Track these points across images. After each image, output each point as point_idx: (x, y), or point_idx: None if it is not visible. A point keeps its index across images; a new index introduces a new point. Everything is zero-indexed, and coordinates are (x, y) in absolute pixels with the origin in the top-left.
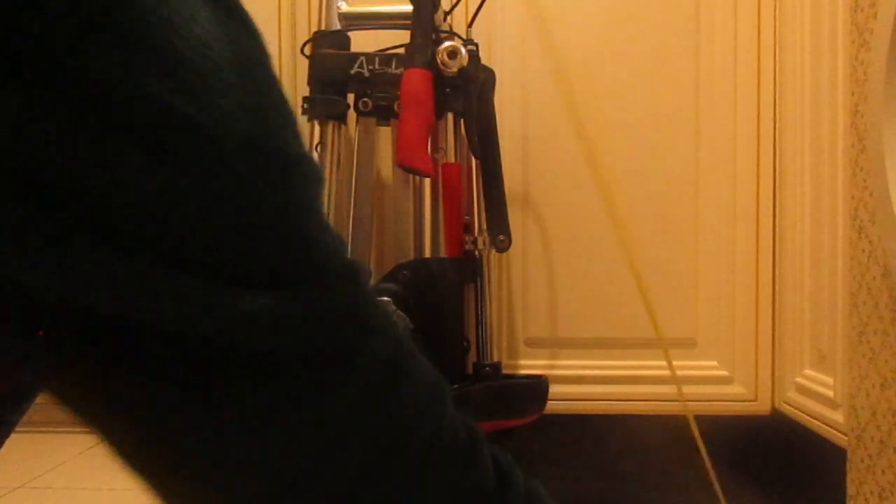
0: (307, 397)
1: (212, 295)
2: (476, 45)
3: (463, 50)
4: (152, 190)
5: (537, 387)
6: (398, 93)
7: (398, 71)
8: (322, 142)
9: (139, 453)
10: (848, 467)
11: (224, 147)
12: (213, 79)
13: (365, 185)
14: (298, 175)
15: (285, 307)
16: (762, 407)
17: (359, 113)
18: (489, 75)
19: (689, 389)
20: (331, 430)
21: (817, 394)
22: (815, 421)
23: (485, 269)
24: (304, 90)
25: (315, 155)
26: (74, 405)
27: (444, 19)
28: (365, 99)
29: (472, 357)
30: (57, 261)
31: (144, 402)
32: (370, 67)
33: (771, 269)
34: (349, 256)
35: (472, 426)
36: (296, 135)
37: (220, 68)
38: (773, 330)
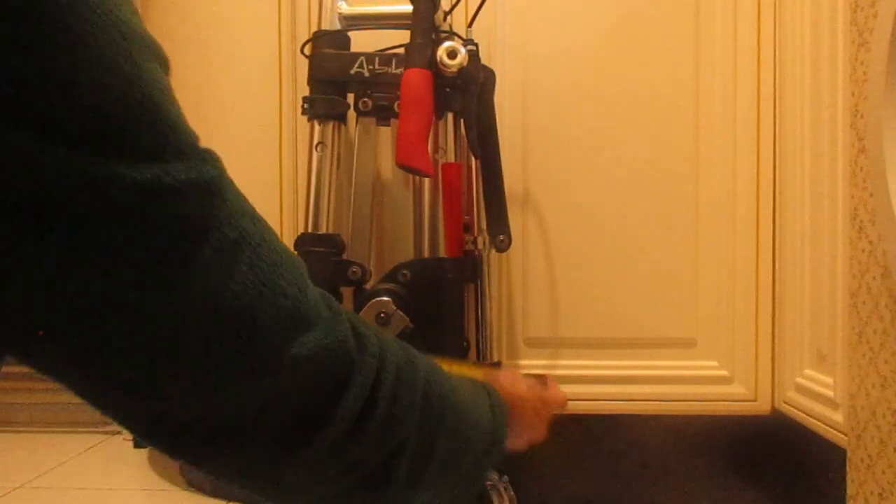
0: (174, 260)
1: (81, 163)
2: (476, 45)
3: (463, 50)
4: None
5: None
6: (398, 93)
7: (398, 71)
8: (322, 142)
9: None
10: (848, 467)
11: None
12: None
13: (365, 185)
14: (152, 55)
15: (159, 178)
16: (762, 407)
17: (359, 113)
18: (489, 75)
19: (689, 389)
20: (193, 296)
21: (817, 394)
22: (815, 421)
23: (485, 269)
24: (304, 90)
25: (315, 155)
26: None
27: (444, 19)
28: (365, 99)
29: (472, 357)
30: None
31: (31, 264)
32: (370, 67)
33: (771, 269)
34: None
35: (329, 296)
36: (141, 25)
37: None
38: (773, 330)
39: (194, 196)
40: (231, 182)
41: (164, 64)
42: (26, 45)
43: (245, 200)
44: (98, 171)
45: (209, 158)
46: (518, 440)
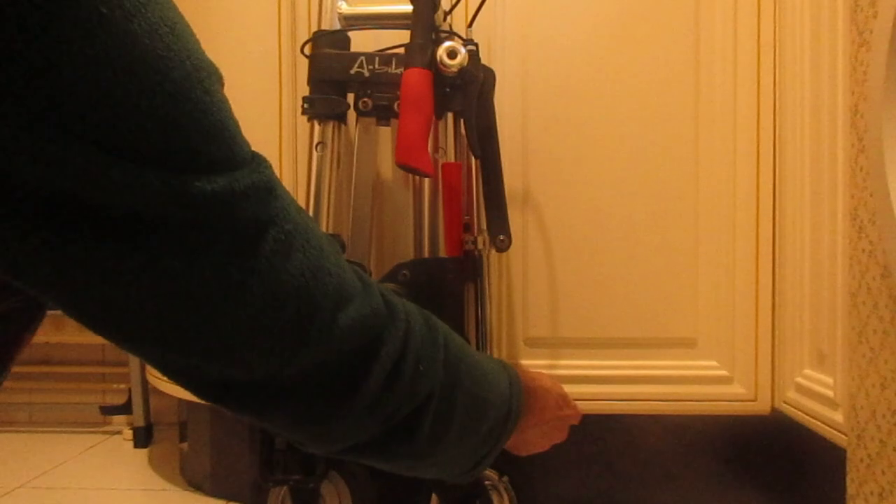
0: (242, 256)
1: (172, 182)
2: (476, 45)
3: (463, 50)
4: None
5: None
6: (398, 93)
7: (398, 71)
8: (322, 142)
9: (122, 313)
10: (848, 467)
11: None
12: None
13: (365, 185)
14: (216, 78)
15: (231, 186)
16: (762, 407)
17: (359, 113)
18: (489, 75)
19: (689, 389)
20: (259, 285)
21: (817, 394)
22: (815, 421)
23: (485, 269)
24: (304, 90)
25: (315, 155)
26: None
27: (444, 19)
28: (365, 99)
29: None
30: (33, 156)
31: (114, 270)
32: (370, 67)
33: (771, 269)
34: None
35: (358, 270)
36: (201, 48)
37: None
38: (773, 330)
39: (257, 196)
40: (278, 179)
41: (221, 82)
42: (126, 87)
43: (288, 193)
44: (184, 186)
45: (262, 161)
46: (540, 434)
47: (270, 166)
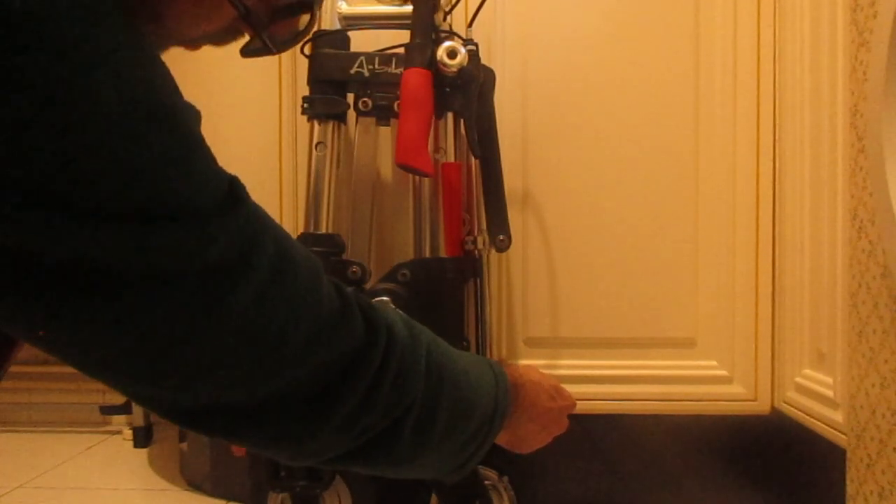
0: (211, 300)
1: (135, 236)
2: (476, 45)
3: (463, 50)
4: (62, 156)
5: None
6: (398, 93)
7: (398, 71)
8: (322, 142)
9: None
10: (848, 467)
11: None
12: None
13: (365, 184)
14: (195, 121)
15: (194, 234)
16: (762, 407)
17: (359, 113)
18: (489, 75)
19: (689, 389)
20: (230, 325)
21: (817, 393)
22: (814, 421)
23: (485, 268)
24: (304, 90)
25: (315, 155)
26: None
27: (444, 19)
28: (365, 99)
29: None
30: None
31: (93, 320)
32: (370, 67)
33: (771, 269)
34: (232, 176)
35: (340, 287)
36: (174, 86)
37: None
38: (773, 330)
39: (227, 237)
40: (254, 206)
41: (199, 120)
42: (84, 151)
43: (265, 217)
44: (148, 238)
45: (236, 193)
46: (537, 428)
47: (246, 195)
